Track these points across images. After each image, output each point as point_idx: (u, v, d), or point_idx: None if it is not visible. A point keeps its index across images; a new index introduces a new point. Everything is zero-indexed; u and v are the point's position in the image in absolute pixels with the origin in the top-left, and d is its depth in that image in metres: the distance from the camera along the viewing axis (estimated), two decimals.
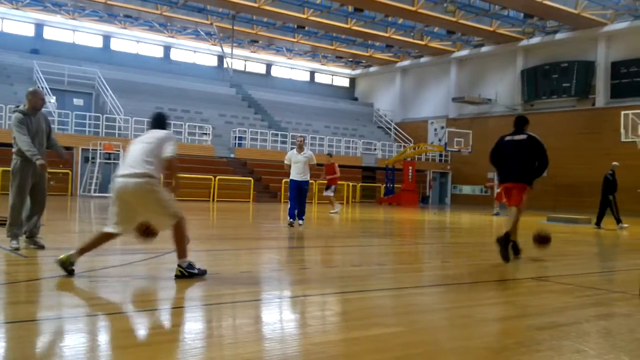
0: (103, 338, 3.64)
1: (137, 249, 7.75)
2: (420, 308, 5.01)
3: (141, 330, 3.89)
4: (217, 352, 3.38)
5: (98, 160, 26.74)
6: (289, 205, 13.20)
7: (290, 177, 13.17)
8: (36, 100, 7.38)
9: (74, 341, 3.54)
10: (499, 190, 8.77)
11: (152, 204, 5.57)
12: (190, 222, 13.96)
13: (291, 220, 12.86)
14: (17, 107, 7.47)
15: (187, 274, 5.58)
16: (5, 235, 7.29)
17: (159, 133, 5.88)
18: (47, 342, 3.51)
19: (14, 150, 7.31)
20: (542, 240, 7.84)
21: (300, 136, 14.44)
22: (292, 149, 14.26)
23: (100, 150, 26.70)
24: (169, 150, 5.71)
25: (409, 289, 5.80)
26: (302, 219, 13.11)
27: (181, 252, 5.67)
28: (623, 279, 7.22)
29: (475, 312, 4.75)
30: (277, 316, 4.52)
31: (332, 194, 19.39)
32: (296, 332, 3.98)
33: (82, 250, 5.62)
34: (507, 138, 8.67)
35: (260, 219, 16.40)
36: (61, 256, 5.49)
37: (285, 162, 13.40)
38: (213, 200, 27.01)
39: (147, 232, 5.66)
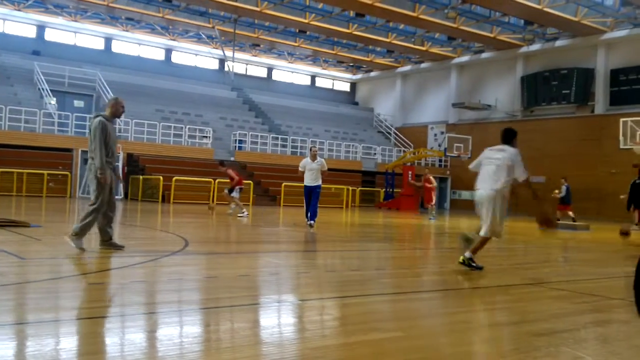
0: (98, 341, 3.63)
1: (135, 251, 7.75)
2: (419, 313, 5.01)
3: (138, 334, 3.88)
4: (215, 356, 3.38)
5: None
6: (305, 209, 14.50)
7: (304, 183, 14.41)
8: (118, 108, 7.55)
9: (67, 344, 3.54)
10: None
11: (487, 211, 7.19)
12: (189, 225, 14.02)
13: (308, 222, 14.14)
14: (99, 113, 7.58)
15: (467, 264, 7.16)
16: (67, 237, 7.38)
17: (508, 153, 7.19)
18: (39, 345, 3.50)
19: (90, 154, 7.36)
20: (546, 222, 8.54)
21: (314, 146, 15.83)
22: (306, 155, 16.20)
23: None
24: (521, 174, 7.15)
25: (407, 294, 5.80)
26: (314, 220, 14.13)
27: (474, 250, 7.25)
28: (621, 286, 7.23)
29: (474, 318, 4.75)
30: (275, 320, 4.52)
31: (237, 195, 18.83)
32: (294, 337, 3.98)
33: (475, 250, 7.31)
34: (638, 181, 13.46)
35: (259, 223, 16.40)
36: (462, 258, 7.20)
37: (300, 169, 14.57)
38: (212, 202, 26.98)
39: (546, 222, 7.55)
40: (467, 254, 7.20)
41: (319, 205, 14.48)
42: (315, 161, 14.33)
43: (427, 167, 23.29)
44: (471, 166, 7.68)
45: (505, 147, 7.29)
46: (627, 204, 14.06)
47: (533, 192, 7.38)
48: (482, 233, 7.24)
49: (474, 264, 7.16)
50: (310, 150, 14.85)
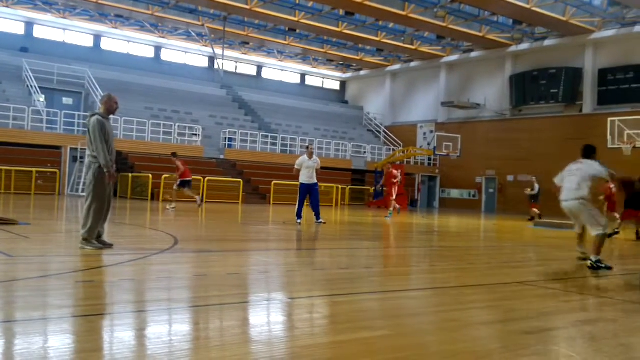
0: (86, 340, 3.62)
1: (125, 249, 7.73)
2: (408, 312, 5.03)
3: (127, 332, 3.88)
4: (204, 354, 3.38)
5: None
6: (297, 207, 14.56)
7: (301, 181, 14.44)
8: (111, 104, 7.54)
9: (56, 343, 3.53)
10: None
11: (585, 216, 8.12)
12: (179, 223, 13.98)
13: (299, 220, 14.24)
14: (94, 111, 7.57)
15: (596, 267, 7.78)
16: (82, 238, 7.42)
17: (586, 164, 8.26)
18: (27, 344, 3.49)
19: (90, 153, 7.35)
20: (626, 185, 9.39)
21: (311, 144, 15.85)
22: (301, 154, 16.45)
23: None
24: (599, 173, 8.19)
25: (396, 293, 5.82)
26: (319, 219, 14.35)
27: (595, 250, 7.92)
28: (608, 284, 7.29)
29: (462, 316, 4.78)
30: (265, 319, 4.52)
31: (181, 189, 19.09)
32: (283, 335, 3.99)
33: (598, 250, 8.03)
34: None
35: (249, 221, 16.39)
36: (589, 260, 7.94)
37: (296, 166, 14.60)
38: (202, 201, 26.92)
39: (629, 184, 8.89)
40: (593, 257, 7.91)
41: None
42: (312, 159, 14.44)
43: (392, 164, 22.30)
44: (556, 180, 8.69)
45: (584, 160, 8.39)
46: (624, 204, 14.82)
47: (619, 182, 8.80)
48: (595, 234, 8.03)
49: (602, 265, 7.86)
50: (307, 148, 14.96)
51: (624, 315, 5.20)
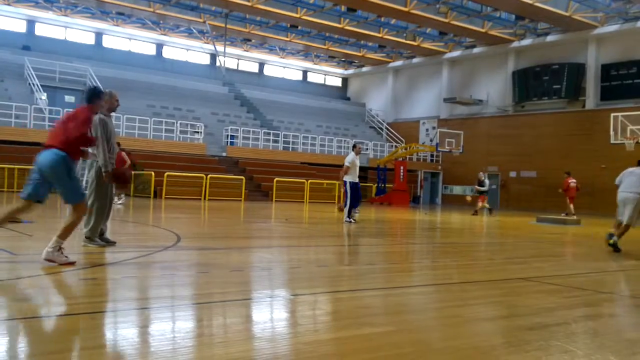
0: (90, 337, 3.63)
1: (128, 246, 7.74)
2: (410, 308, 5.03)
3: (130, 329, 3.88)
4: (207, 351, 3.38)
5: None
6: (349, 205, 14.77)
7: (351, 180, 14.79)
8: (112, 102, 7.55)
9: (60, 340, 3.53)
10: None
11: (633, 208, 9.71)
12: (181, 221, 13.99)
13: (351, 219, 14.59)
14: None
15: (613, 245, 9.67)
16: (84, 236, 7.45)
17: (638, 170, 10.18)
18: (30, 341, 3.50)
19: (92, 152, 7.37)
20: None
21: (359, 144, 16.45)
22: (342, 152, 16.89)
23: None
24: None
25: (399, 289, 5.82)
26: (351, 218, 14.68)
27: (618, 234, 9.76)
28: (611, 280, 7.29)
29: (465, 312, 4.78)
30: (268, 315, 4.53)
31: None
32: (286, 331, 3.99)
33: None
34: None
35: (252, 218, 16.40)
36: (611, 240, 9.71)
37: (348, 164, 14.81)
38: (204, 198, 26.95)
39: None
40: (615, 238, 9.71)
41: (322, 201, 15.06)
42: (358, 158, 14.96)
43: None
44: (616, 181, 10.34)
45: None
46: None
47: None
48: (626, 224, 9.80)
49: (619, 248, 9.62)
50: (355, 147, 15.30)
51: (627, 311, 5.20)
